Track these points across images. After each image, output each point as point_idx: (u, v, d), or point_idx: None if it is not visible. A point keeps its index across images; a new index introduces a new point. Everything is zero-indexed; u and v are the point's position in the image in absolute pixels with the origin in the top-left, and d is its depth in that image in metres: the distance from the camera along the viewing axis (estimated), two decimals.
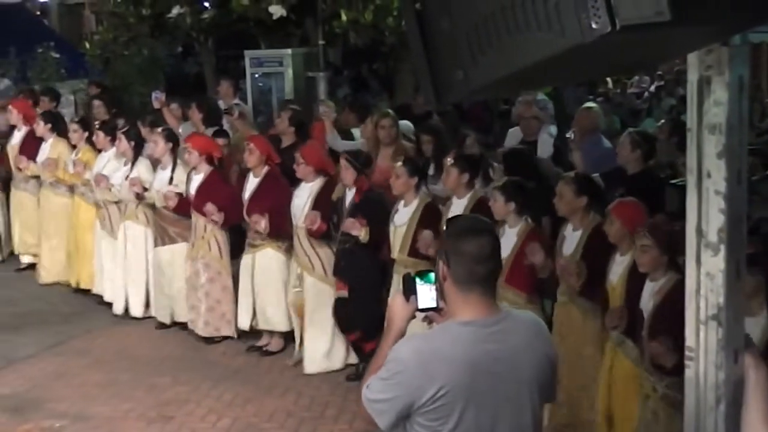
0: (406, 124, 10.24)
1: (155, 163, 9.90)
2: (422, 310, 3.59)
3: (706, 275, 3.66)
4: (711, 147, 3.59)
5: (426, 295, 3.56)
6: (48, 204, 11.44)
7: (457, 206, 7.51)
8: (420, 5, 3.11)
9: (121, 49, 16.33)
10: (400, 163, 7.83)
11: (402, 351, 3.41)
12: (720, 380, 3.69)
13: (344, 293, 8.20)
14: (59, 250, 11.31)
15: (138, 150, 10.02)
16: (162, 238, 9.72)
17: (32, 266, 12.10)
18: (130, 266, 10.07)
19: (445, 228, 3.57)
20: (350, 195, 8.24)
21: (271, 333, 9.13)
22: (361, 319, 8.11)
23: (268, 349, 9.11)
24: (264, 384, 8.36)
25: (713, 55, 3.50)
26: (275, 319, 8.98)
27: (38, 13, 24.66)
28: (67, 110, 14.59)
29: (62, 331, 9.86)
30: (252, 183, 8.92)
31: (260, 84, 14.55)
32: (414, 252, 7.55)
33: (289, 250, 8.81)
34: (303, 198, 8.49)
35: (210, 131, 10.34)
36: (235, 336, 9.32)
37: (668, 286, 5.56)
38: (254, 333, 9.24)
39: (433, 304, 3.56)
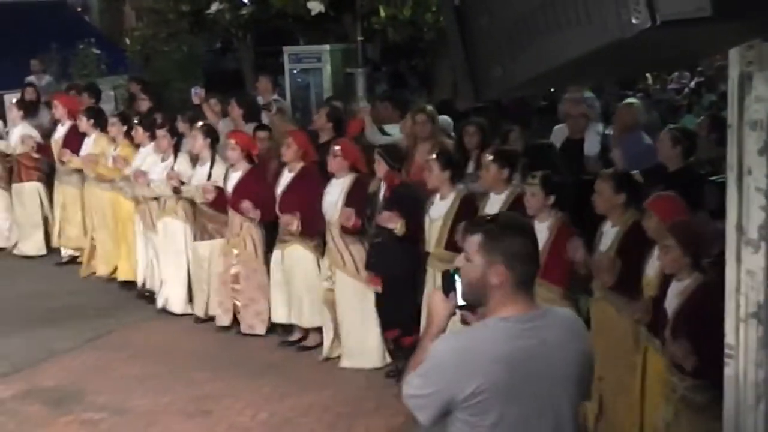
0: (444, 119, 10.22)
1: (194, 159, 9.95)
2: (462, 307, 3.59)
3: (747, 273, 3.64)
4: (752, 143, 3.56)
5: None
6: (93, 198, 11.55)
7: (495, 201, 7.46)
8: (459, 1, 3.11)
9: (161, 45, 16.45)
10: (433, 156, 7.81)
11: (440, 347, 3.44)
12: (760, 379, 3.67)
13: (378, 288, 8.19)
14: (108, 243, 11.43)
15: (177, 146, 10.09)
16: (201, 233, 9.77)
17: (73, 260, 12.25)
18: (169, 262, 10.13)
19: (490, 229, 3.51)
20: (383, 189, 8.24)
21: (307, 328, 9.14)
22: (398, 316, 8.10)
23: (306, 344, 9.12)
24: (301, 379, 8.38)
25: (755, 51, 3.48)
26: (307, 315, 8.99)
27: (79, 9, 24.85)
28: (107, 106, 14.70)
29: (101, 325, 9.93)
30: (286, 178, 8.94)
31: (298, 80, 14.58)
32: (451, 245, 7.45)
33: (318, 247, 8.82)
34: (335, 194, 8.46)
35: (250, 127, 10.36)
36: (263, 333, 9.35)
37: (693, 286, 5.50)
38: (288, 328, 9.29)
39: None
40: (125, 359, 8.99)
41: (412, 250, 8.01)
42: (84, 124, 11.46)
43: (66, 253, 12.38)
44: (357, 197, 8.38)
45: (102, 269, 11.56)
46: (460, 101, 11.81)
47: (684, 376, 5.48)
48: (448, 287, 3.59)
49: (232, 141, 9.31)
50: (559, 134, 9.99)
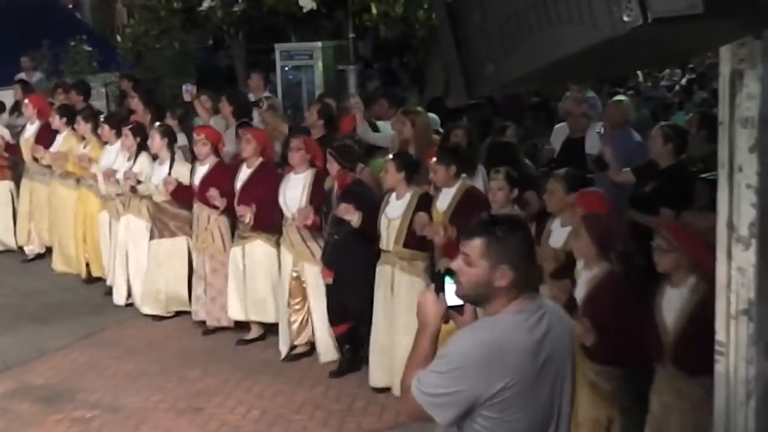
0: (432, 118, 10.22)
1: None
2: (450, 308, 3.60)
3: (737, 270, 3.65)
4: (743, 141, 3.57)
5: (453, 293, 3.58)
6: (57, 197, 11.71)
7: (446, 195, 7.67)
8: None
9: (153, 42, 16.40)
10: (390, 157, 7.99)
11: (466, 344, 3.43)
12: (750, 375, 3.68)
13: (329, 280, 8.27)
14: (69, 240, 11.57)
15: (142, 144, 10.18)
16: (161, 231, 9.86)
17: (40, 257, 12.41)
18: (133, 259, 10.25)
19: (492, 232, 3.49)
20: (336, 188, 8.39)
21: (261, 324, 9.27)
22: (353, 310, 8.28)
23: (247, 337, 9.30)
24: (293, 376, 8.39)
25: (746, 48, 3.49)
26: (266, 309, 9.11)
27: (71, 6, 24.79)
28: (99, 103, 14.69)
29: (93, 322, 9.93)
30: (244, 173, 9.05)
31: (290, 77, 14.56)
32: (410, 243, 7.72)
33: (279, 242, 8.90)
34: (298, 190, 8.55)
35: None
36: (231, 325, 9.45)
37: (600, 276, 5.78)
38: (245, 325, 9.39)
39: (460, 302, 3.58)
40: (117, 357, 8.98)
41: (367, 246, 8.10)
42: (57, 121, 11.61)
43: (32, 249, 12.49)
44: (319, 192, 8.53)
45: (66, 267, 11.71)
46: (451, 98, 11.81)
47: (592, 362, 5.72)
48: (439, 288, 3.60)
49: (202, 136, 9.44)
50: (559, 133, 10.06)
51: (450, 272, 3.59)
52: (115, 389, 8.21)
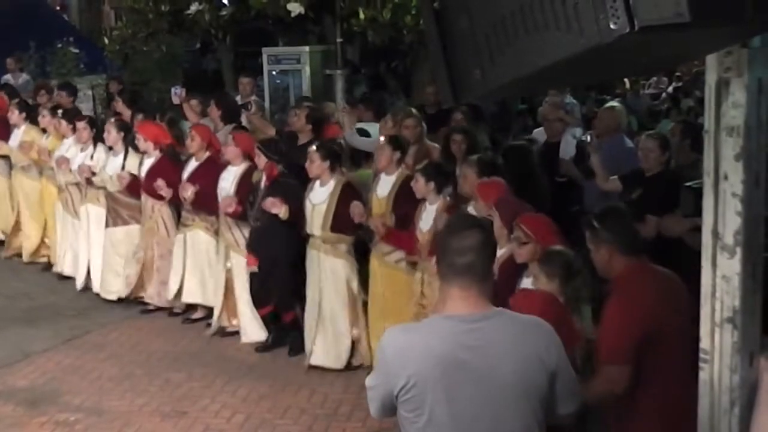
0: None
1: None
2: None
3: (722, 278, 3.65)
4: (728, 149, 3.58)
5: None
6: (21, 188, 12.00)
7: (386, 182, 8.25)
8: (438, 4, 3.12)
9: (140, 45, 16.42)
10: (314, 148, 8.40)
11: (383, 340, 3.50)
12: (735, 383, 3.68)
13: (254, 268, 8.72)
14: (35, 231, 11.90)
15: (97, 138, 10.61)
16: (115, 220, 10.27)
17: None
18: (92, 246, 10.62)
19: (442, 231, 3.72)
20: (264, 179, 8.80)
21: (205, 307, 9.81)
22: (274, 293, 8.73)
23: (195, 317, 9.93)
24: (278, 380, 8.38)
25: (732, 57, 3.49)
26: (199, 294, 9.67)
27: (58, 8, 24.75)
28: (86, 105, 14.66)
29: (78, 325, 9.91)
30: (191, 165, 9.58)
31: (278, 81, 14.55)
32: (336, 227, 8.24)
33: (218, 231, 9.34)
34: (229, 181, 9.11)
35: (229, 128, 10.39)
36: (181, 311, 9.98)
37: (505, 256, 6.07)
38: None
39: None
40: (101, 360, 8.96)
41: (293, 233, 8.56)
42: (15, 116, 11.98)
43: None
44: (248, 184, 9.00)
45: (32, 256, 12.05)
46: (442, 101, 11.77)
47: None
48: None
49: (140, 134, 9.93)
50: (538, 138, 10.12)
51: None
52: (100, 392, 8.18)
